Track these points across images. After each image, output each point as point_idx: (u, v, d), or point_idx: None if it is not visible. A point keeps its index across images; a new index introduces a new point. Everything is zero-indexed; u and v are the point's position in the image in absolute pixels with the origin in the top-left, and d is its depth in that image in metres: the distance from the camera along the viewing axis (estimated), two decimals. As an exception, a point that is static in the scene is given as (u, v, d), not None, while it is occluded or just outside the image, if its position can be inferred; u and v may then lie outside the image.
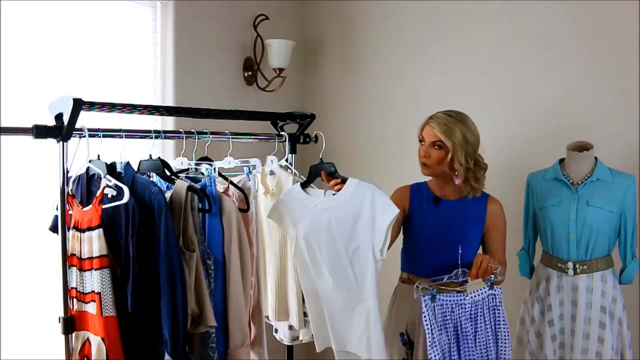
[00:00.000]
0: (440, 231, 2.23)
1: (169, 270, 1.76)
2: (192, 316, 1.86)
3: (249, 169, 2.21)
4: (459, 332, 2.09)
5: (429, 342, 2.02)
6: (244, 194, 2.14)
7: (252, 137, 2.41)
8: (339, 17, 3.42)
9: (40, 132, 1.74)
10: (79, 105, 1.74)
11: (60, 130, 1.77)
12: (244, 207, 2.13)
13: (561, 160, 2.47)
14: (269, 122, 2.59)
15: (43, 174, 2.13)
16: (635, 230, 2.35)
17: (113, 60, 2.49)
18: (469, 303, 2.09)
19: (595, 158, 2.40)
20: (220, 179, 2.13)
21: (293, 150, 2.57)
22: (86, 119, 1.86)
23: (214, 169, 2.05)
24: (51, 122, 1.78)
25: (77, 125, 1.79)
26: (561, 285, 2.38)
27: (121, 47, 2.52)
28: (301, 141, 2.59)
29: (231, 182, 2.17)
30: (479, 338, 2.09)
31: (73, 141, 1.81)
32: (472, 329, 2.09)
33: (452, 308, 2.08)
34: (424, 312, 2.04)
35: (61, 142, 1.79)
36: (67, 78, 2.30)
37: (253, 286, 2.18)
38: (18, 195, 2.14)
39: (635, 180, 2.37)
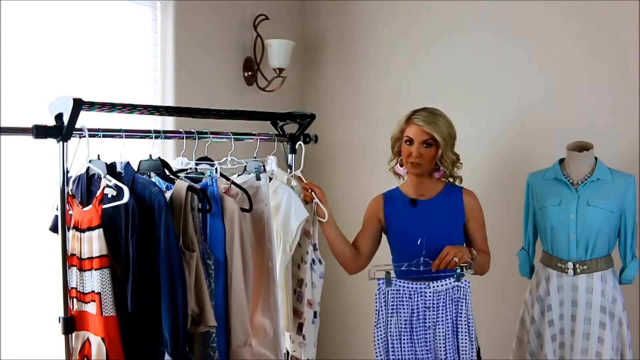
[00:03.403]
0: (421, 232, 2.22)
1: (169, 270, 1.76)
2: (192, 316, 1.86)
3: (258, 168, 2.22)
4: (414, 319, 2.10)
5: (375, 323, 2.10)
6: (247, 194, 2.14)
7: (252, 137, 2.40)
8: (339, 17, 3.42)
9: (40, 132, 1.73)
10: (79, 105, 1.74)
11: (60, 130, 1.77)
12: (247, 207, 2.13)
13: (561, 160, 2.47)
14: (269, 122, 2.59)
15: (43, 174, 2.13)
16: (635, 230, 2.35)
17: (113, 60, 2.49)
18: (430, 292, 2.09)
19: (595, 158, 2.40)
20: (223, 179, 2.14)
21: (293, 150, 2.57)
22: (86, 119, 1.86)
23: (216, 169, 2.05)
24: (51, 122, 1.78)
25: (77, 125, 1.79)
26: (561, 285, 2.38)
27: (121, 47, 2.52)
28: (301, 141, 2.59)
29: (233, 182, 2.17)
30: (438, 329, 2.09)
31: (73, 141, 1.81)
32: (432, 319, 2.09)
33: (409, 295, 2.10)
34: (376, 295, 2.10)
35: (61, 142, 1.78)
36: (67, 78, 2.30)
37: (267, 281, 2.19)
38: (18, 195, 2.14)
39: (635, 180, 2.37)
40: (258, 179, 2.21)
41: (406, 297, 2.10)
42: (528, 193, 2.54)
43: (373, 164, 3.26)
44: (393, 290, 2.10)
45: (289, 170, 2.60)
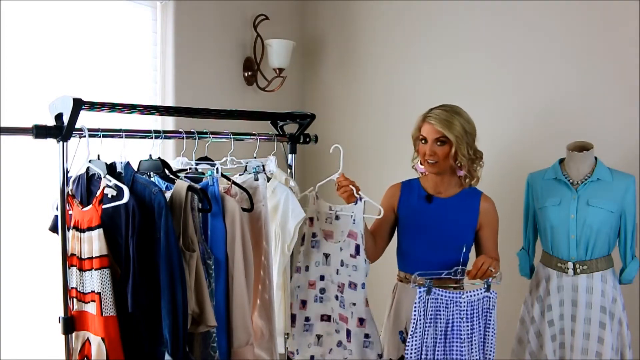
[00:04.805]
0: (432, 229, 2.23)
1: (169, 270, 1.76)
2: (192, 316, 1.86)
3: (256, 168, 2.22)
4: (449, 329, 2.08)
5: (411, 331, 2.05)
6: (247, 194, 2.14)
7: (252, 137, 2.41)
8: (339, 17, 3.42)
9: (40, 132, 1.73)
10: (79, 105, 1.74)
11: (60, 130, 1.77)
12: (248, 207, 2.13)
13: (561, 160, 2.47)
14: (269, 122, 2.59)
15: (43, 174, 2.13)
16: (635, 230, 2.35)
17: (113, 60, 2.49)
18: (464, 302, 2.08)
19: (595, 158, 2.40)
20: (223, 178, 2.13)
21: (293, 150, 2.57)
22: (86, 119, 1.86)
23: (216, 169, 2.05)
24: (51, 122, 1.78)
25: (77, 125, 1.79)
26: (561, 285, 2.38)
27: (121, 47, 2.52)
28: (301, 141, 2.59)
29: (234, 182, 2.17)
30: (474, 340, 2.09)
31: (73, 141, 1.81)
32: (467, 329, 2.08)
33: (446, 304, 2.08)
34: (415, 303, 2.05)
35: (61, 142, 1.78)
36: (67, 78, 2.30)
37: (263, 282, 2.19)
38: (18, 195, 2.13)
39: (635, 180, 2.37)
40: (256, 179, 2.21)
41: (443, 306, 2.08)
42: (528, 193, 2.54)
43: (373, 163, 3.26)
44: (432, 299, 2.07)
45: (289, 170, 2.60)
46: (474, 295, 2.09)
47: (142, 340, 1.82)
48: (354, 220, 2.23)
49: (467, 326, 2.08)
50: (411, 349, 2.05)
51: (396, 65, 3.23)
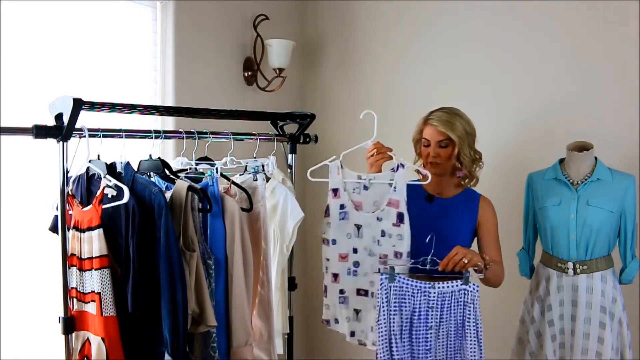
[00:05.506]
0: (431, 229, 2.22)
1: (169, 270, 1.76)
2: (192, 316, 1.86)
3: (256, 168, 2.22)
4: (415, 318, 2.05)
5: (377, 319, 2.05)
6: (247, 194, 2.14)
7: (252, 137, 2.41)
8: (339, 17, 3.42)
9: (40, 132, 1.74)
10: (79, 105, 1.74)
11: (60, 130, 1.77)
12: (247, 207, 2.13)
13: (561, 160, 2.47)
14: (269, 122, 2.59)
15: (43, 174, 2.13)
16: (635, 230, 2.35)
17: (113, 60, 2.49)
18: (434, 293, 2.03)
19: (595, 158, 2.41)
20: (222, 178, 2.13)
21: (293, 150, 2.58)
22: (86, 119, 1.86)
23: (216, 168, 2.06)
24: (51, 122, 1.78)
25: (77, 125, 1.79)
26: (561, 285, 2.38)
27: (121, 47, 2.52)
28: (301, 141, 2.59)
29: (233, 182, 2.17)
30: (441, 329, 2.04)
31: (73, 141, 1.81)
32: (436, 318, 2.04)
33: (412, 293, 2.05)
34: (378, 290, 2.05)
35: (61, 142, 1.79)
36: (67, 78, 2.30)
37: (262, 283, 2.18)
38: (18, 195, 2.14)
39: (635, 180, 2.37)
40: (255, 179, 2.21)
41: (408, 295, 2.05)
42: (528, 193, 2.54)
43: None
44: (396, 287, 2.05)
45: (289, 170, 2.60)
46: (448, 287, 2.04)
47: (142, 340, 1.82)
48: (394, 187, 2.17)
49: (436, 315, 2.03)
50: (380, 337, 2.05)
51: (396, 65, 3.23)
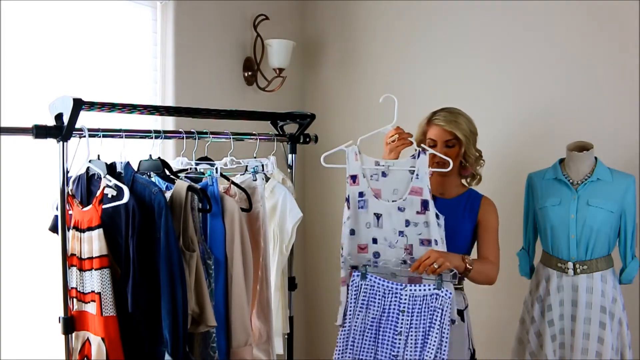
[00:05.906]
0: None
1: (169, 270, 1.76)
2: (192, 316, 1.86)
3: (255, 168, 2.22)
4: (383, 319, 1.97)
5: (342, 315, 2.03)
6: (246, 194, 2.14)
7: (252, 137, 2.41)
8: (339, 17, 3.42)
9: (40, 132, 1.74)
10: (79, 105, 1.74)
11: (60, 130, 1.77)
12: (247, 207, 2.13)
13: (561, 160, 2.47)
14: (269, 122, 2.59)
15: (43, 174, 2.13)
16: (635, 230, 2.35)
17: (113, 60, 2.49)
18: (406, 295, 1.96)
19: (595, 158, 2.41)
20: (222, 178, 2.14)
21: (293, 150, 2.58)
22: (86, 119, 1.86)
23: (216, 169, 2.06)
24: (51, 122, 1.78)
25: (77, 125, 1.79)
26: (561, 285, 2.38)
27: (121, 47, 2.52)
28: (301, 141, 2.59)
29: (233, 182, 2.17)
30: (410, 336, 1.95)
31: (73, 141, 1.82)
32: (407, 323, 1.95)
33: (383, 293, 1.98)
34: (349, 285, 2.02)
35: (61, 142, 1.79)
36: (67, 78, 2.30)
37: (261, 283, 2.18)
38: (18, 195, 2.14)
39: (635, 180, 2.37)
40: (254, 179, 2.21)
41: (379, 295, 1.98)
42: (528, 193, 2.54)
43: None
44: (367, 285, 1.99)
45: (289, 170, 2.60)
46: (420, 290, 1.96)
47: (142, 340, 1.82)
48: (417, 174, 2.07)
49: (407, 321, 1.94)
50: (340, 335, 2.00)
51: (396, 65, 3.23)
